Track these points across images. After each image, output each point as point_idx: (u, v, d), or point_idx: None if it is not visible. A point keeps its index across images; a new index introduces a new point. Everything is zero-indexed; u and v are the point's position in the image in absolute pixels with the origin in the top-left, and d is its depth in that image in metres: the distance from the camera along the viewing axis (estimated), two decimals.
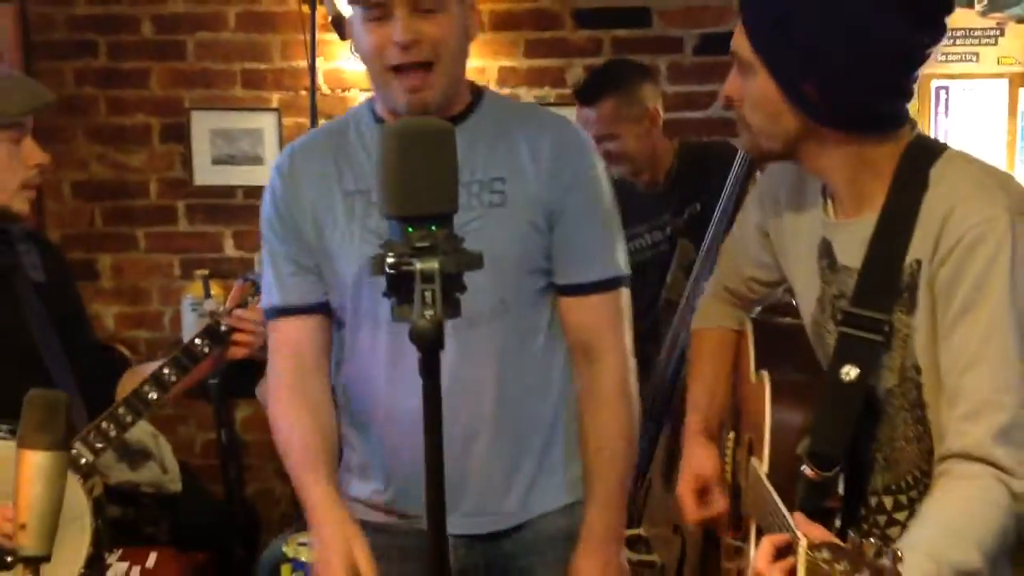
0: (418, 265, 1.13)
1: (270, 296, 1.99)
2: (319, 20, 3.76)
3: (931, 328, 1.50)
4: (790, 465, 1.57)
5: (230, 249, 4.20)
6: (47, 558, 1.52)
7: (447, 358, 1.80)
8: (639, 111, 3.16)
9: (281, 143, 4.08)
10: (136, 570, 3.50)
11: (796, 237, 1.73)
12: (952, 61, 3.90)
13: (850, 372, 1.54)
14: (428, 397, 1.17)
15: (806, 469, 1.52)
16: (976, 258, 1.44)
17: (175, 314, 4.18)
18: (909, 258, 1.51)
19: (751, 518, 1.68)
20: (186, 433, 4.24)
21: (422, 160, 1.21)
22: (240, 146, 4.13)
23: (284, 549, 3.19)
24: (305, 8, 3.76)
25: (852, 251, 1.59)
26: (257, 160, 4.12)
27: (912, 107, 3.40)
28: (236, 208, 4.17)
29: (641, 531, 2.83)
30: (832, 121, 1.54)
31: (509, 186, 1.86)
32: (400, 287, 1.17)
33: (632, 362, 2.00)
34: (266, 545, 3.71)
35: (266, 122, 4.11)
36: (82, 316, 2.40)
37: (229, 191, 4.17)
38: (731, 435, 1.93)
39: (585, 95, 3.17)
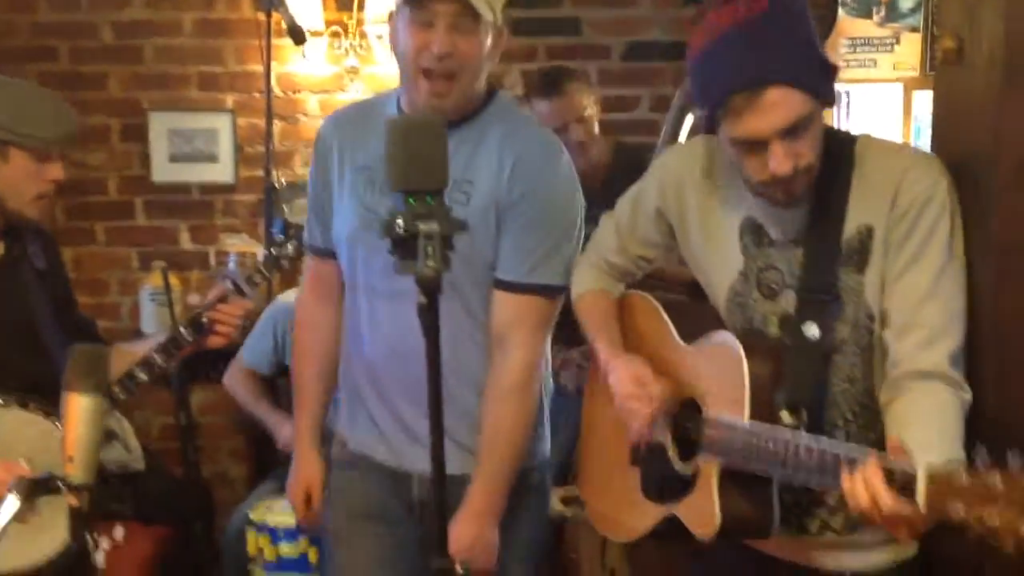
0: (421, 227, 1.43)
1: (307, 233, 2.42)
2: (273, 26, 4.01)
3: (882, 280, 1.78)
4: (767, 413, 1.75)
5: (186, 243, 4.42)
6: (90, 487, 1.77)
7: (395, 329, 2.16)
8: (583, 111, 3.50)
9: (236, 142, 4.33)
10: (104, 540, 3.69)
11: (709, 219, 1.94)
12: (853, 67, 4.24)
13: (811, 329, 1.79)
14: (429, 334, 1.45)
15: (784, 415, 1.74)
16: (927, 214, 1.75)
17: (133, 304, 4.38)
18: (854, 224, 1.79)
19: (709, 464, 1.84)
20: (142, 417, 4.42)
21: (419, 146, 1.49)
22: (196, 145, 4.35)
23: (250, 515, 3.41)
24: (260, 15, 4.01)
25: (789, 227, 1.85)
26: (213, 158, 4.36)
27: None
28: (192, 204, 4.40)
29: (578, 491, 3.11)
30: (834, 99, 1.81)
31: (475, 188, 2.13)
32: (404, 246, 1.45)
33: (538, 363, 2.21)
34: (222, 523, 3.95)
35: (221, 123, 4.35)
36: (72, 299, 2.64)
37: (185, 187, 4.40)
38: None
39: (545, 90, 3.49)
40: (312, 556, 3.24)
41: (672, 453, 1.96)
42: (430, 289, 1.41)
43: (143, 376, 2.44)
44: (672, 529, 1.94)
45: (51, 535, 2.25)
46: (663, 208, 2.04)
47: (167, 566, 3.84)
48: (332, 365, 2.41)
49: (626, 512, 2.09)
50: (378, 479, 2.32)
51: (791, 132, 1.71)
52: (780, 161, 1.72)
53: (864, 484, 1.53)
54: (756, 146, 1.74)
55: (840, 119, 4.27)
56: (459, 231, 1.49)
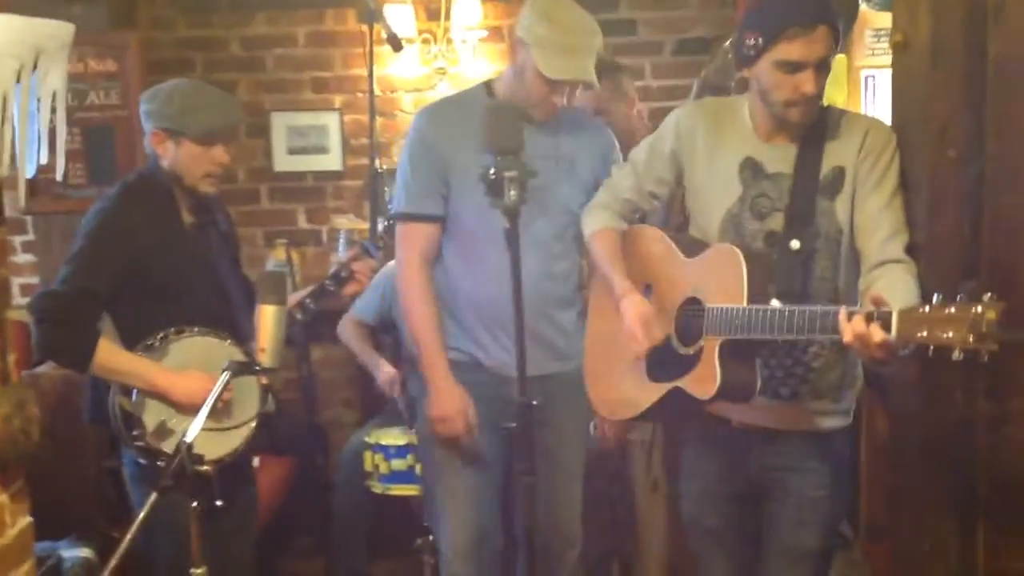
0: (506, 173, 2.12)
1: (402, 203, 2.96)
2: (374, 36, 4.68)
3: (850, 205, 2.39)
4: (761, 301, 2.24)
5: (302, 223, 5.09)
6: (276, 370, 2.49)
7: (538, 261, 2.86)
8: (621, 95, 4.13)
9: (343, 136, 5.00)
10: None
11: (715, 158, 2.49)
12: (878, 54, 4.78)
13: (795, 243, 2.38)
14: (513, 250, 2.14)
15: (775, 302, 2.21)
16: (885, 155, 2.41)
17: None
18: (829, 165, 2.41)
19: (711, 341, 2.31)
20: None
21: (506, 121, 2.19)
22: (310, 139, 5.03)
23: (366, 438, 4.04)
24: (363, 27, 4.67)
25: (781, 164, 2.44)
26: (324, 150, 5.03)
27: (844, 92, 4.36)
28: (307, 189, 5.06)
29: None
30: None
31: (578, 160, 2.90)
32: (495, 187, 2.14)
33: None
34: (335, 457, 4.61)
35: (330, 120, 5.02)
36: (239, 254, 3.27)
37: (301, 176, 5.05)
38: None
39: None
40: (419, 469, 3.84)
41: (676, 342, 2.46)
42: (513, 215, 2.11)
43: (299, 317, 3.13)
44: (673, 400, 2.42)
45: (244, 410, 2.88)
46: (677, 149, 2.57)
47: (293, 487, 4.60)
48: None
49: (632, 394, 2.56)
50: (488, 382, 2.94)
51: (823, 63, 2.32)
52: (812, 83, 2.33)
53: (855, 326, 2.03)
54: (795, 68, 2.31)
55: (867, 100, 4.83)
56: (531, 177, 2.17)
